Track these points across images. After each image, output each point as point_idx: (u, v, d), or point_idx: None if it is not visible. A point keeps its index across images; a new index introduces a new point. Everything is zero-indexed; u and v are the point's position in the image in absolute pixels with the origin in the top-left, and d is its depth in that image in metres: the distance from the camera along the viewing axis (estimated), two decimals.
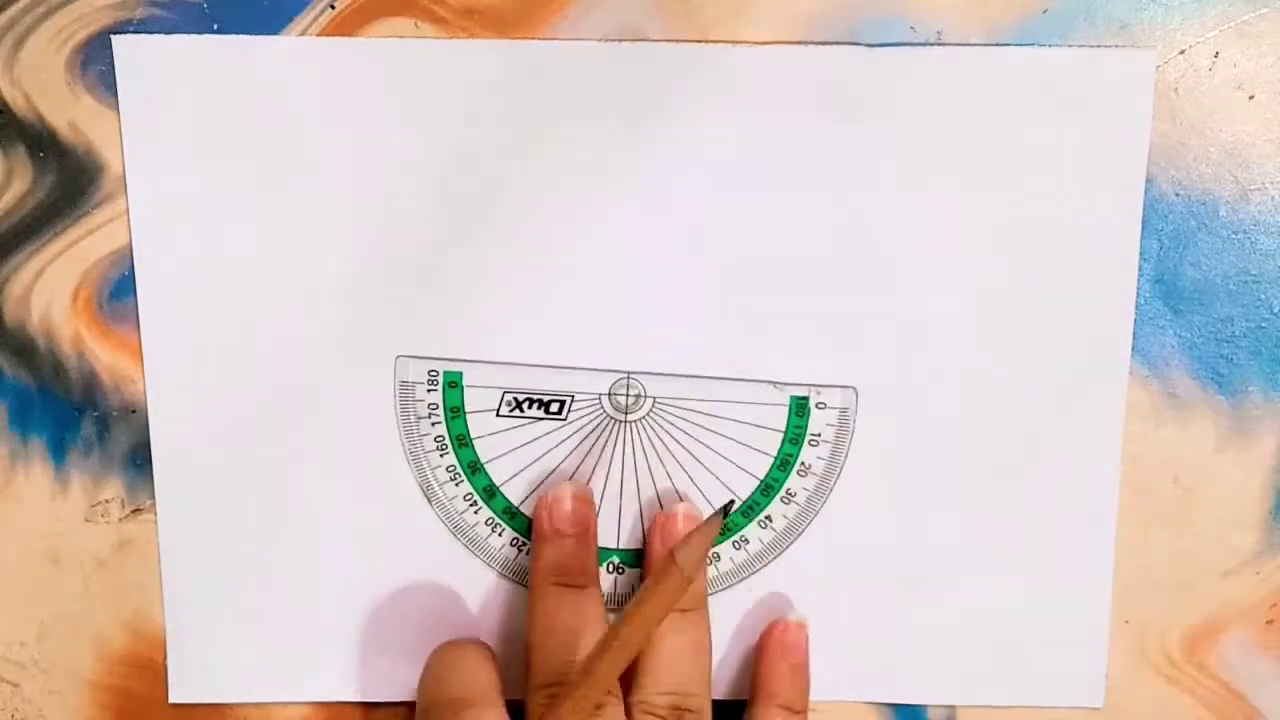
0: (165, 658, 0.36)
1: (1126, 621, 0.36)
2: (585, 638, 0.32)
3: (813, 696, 0.36)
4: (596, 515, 0.35)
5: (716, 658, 0.36)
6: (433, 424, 0.35)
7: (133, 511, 0.36)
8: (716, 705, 0.36)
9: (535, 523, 0.34)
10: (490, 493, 0.36)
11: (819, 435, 0.35)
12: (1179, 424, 0.35)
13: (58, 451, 0.35)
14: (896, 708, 0.36)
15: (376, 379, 0.35)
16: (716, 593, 0.36)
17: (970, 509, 0.36)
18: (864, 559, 0.36)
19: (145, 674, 0.36)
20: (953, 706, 0.36)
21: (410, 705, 0.36)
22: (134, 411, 0.35)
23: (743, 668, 0.36)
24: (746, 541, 0.36)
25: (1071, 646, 0.36)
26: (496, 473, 0.36)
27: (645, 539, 0.35)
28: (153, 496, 0.35)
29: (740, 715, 0.36)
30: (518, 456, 0.36)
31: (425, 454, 0.35)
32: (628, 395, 0.35)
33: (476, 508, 0.36)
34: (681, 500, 0.35)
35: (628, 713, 0.32)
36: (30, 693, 0.36)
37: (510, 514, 0.36)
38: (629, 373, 0.35)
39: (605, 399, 0.35)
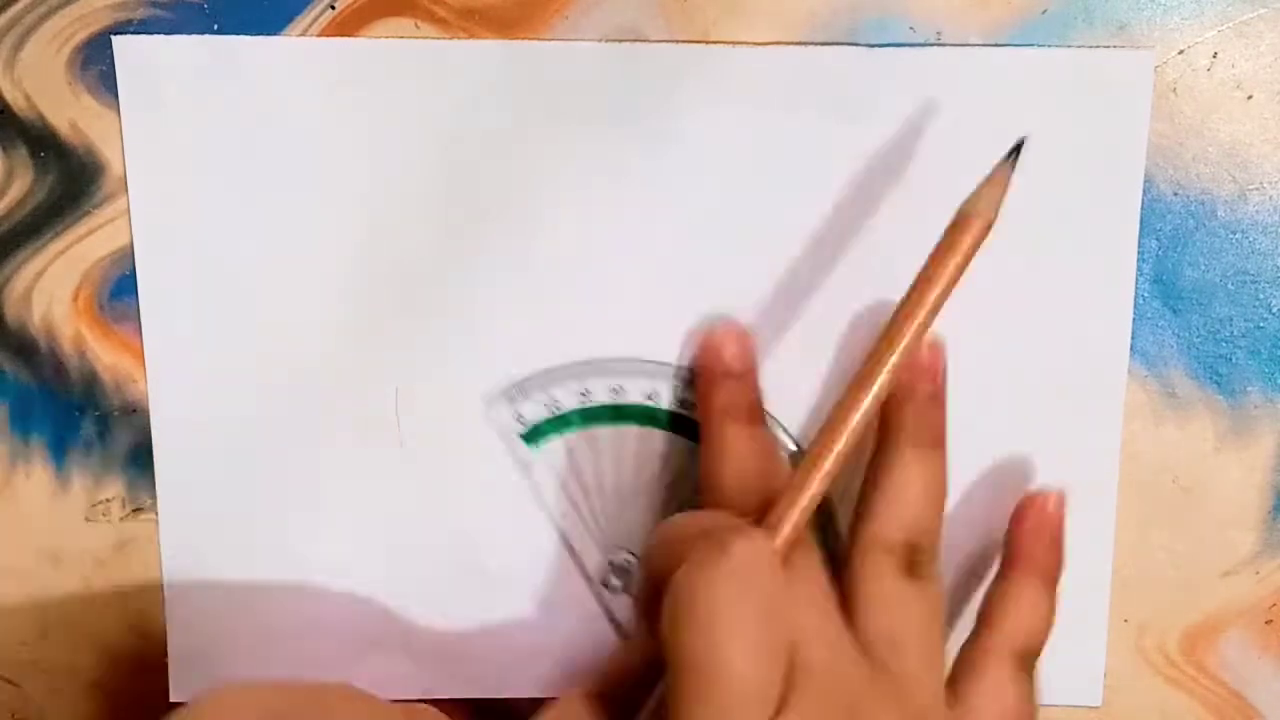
0: (166, 657, 0.36)
1: (1125, 621, 0.36)
2: (768, 472, 0.32)
3: None
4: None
5: None
6: None
7: (133, 511, 0.36)
8: None
9: (700, 365, 0.34)
10: None
11: None
12: (1178, 424, 0.35)
13: (58, 451, 0.35)
14: None
15: (380, 382, 0.35)
16: None
17: (970, 509, 0.36)
18: None
19: (146, 674, 0.36)
20: None
21: (410, 704, 0.36)
22: (135, 411, 0.35)
23: None
24: None
25: (1070, 645, 0.36)
26: None
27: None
28: (154, 496, 0.35)
29: None
30: None
31: None
32: None
33: None
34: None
35: (853, 547, 0.31)
36: (31, 692, 0.37)
37: None
38: None
39: None
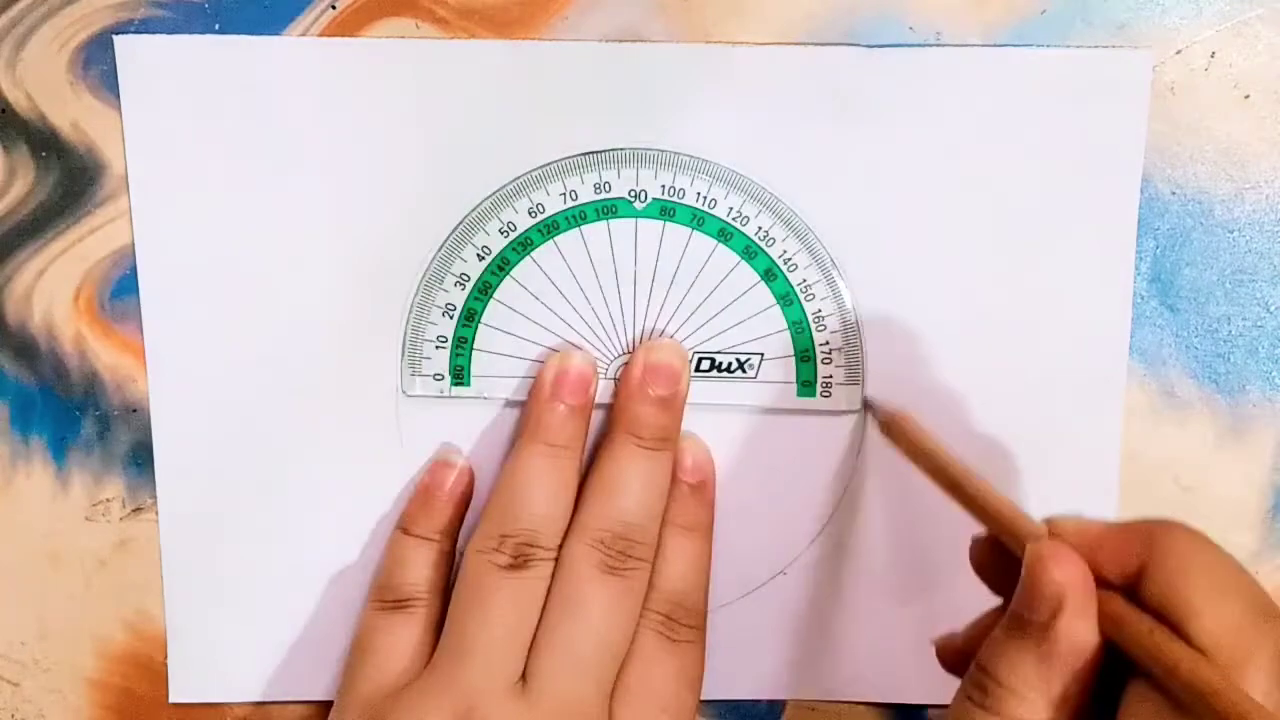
0: (166, 657, 0.36)
1: None
2: (554, 500, 0.33)
3: (813, 697, 0.36)
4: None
5: (730, 665, 0.36)
6: None
7: (133, 511, 0.36)
8: (729, 707, 0.36)
9: (536, 382, 0.34)
10: None
11: None
12: (1177, 423, 0.35)
13: (59, 451, 0.35)
14: (896, 708, 0.36)
15: (379, 381, 0.35)
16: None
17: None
18: (869, 561, 0.36)
19: (146, 674, 0.36)
20: None
21: None
22: (135, 411, 0.35)
23: (758, 674, 0.36)
24: None
25: None
26: None
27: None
28: (153, 496, 0.36)
29: (753, 717, 0.36)
30: None
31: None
32: None
33: None
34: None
35: (566, 541, 0.32)
36: (31, 692, 0.36)
37: None
38: None
39: None
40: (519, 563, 0.32)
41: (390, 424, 0.35)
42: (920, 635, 0.36)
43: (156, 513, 0.36)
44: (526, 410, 0.34)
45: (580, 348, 0.35)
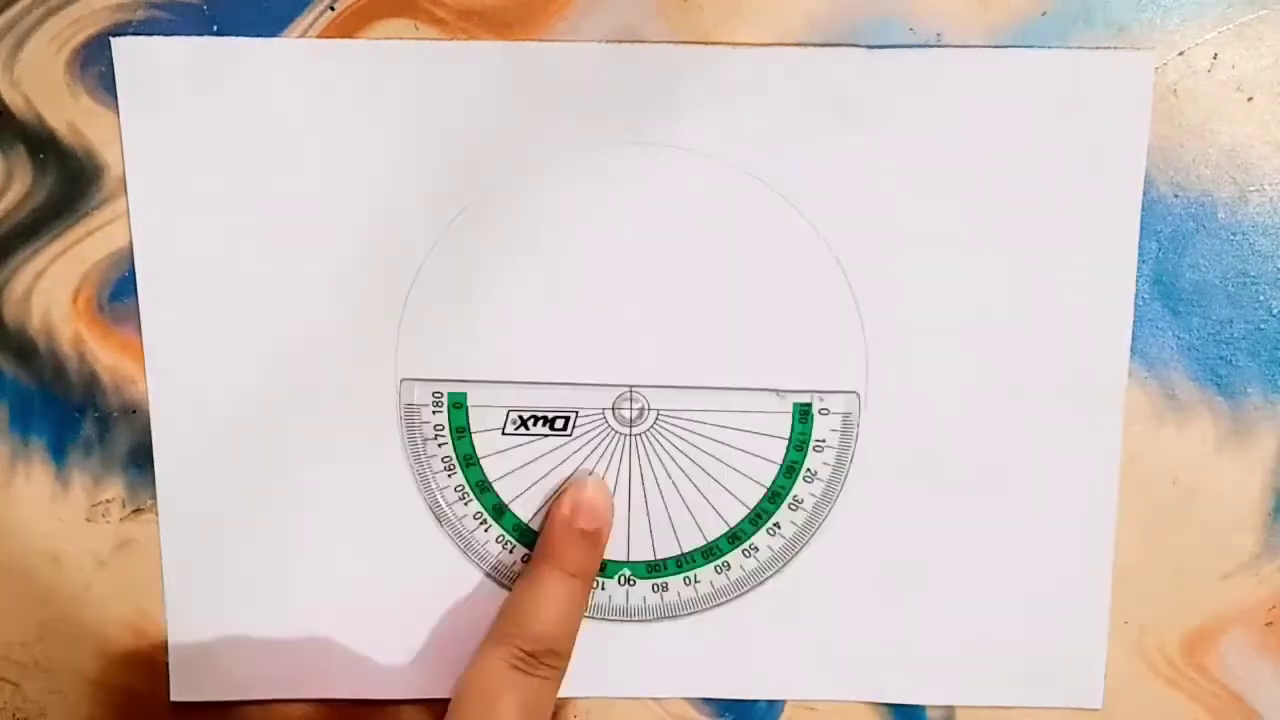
0: (166, 658, 0.36)
1: (1126, 623, 0.36)
2: (564, 621, 0.34)
3: (813, 696, 0.36)
4: (612, 515, 0.35)
5: (730, 665, 0.36)
6: (439, 445, 0.35)
7: (133, 512, 0.36)
8: (729, 707, 0.36)
9: (553, 509, 0.35)
10: (500, 511, 0.36)
11: (823, 441, 0.35)
12: (1178, 425, 0.35)
13: (58, 452, 0.35)
14: (896, 708, 0.37)
15: (378, 380, 0.35)
16: (728, 601, 0.36)
17: (971, 510, 0.36)
18: (868, 561, 0.36)
19: (146, 674, 0.36)
20: (952, 707, 0.36)
21: (410, 705, 0.36)
22: (134, 412, 0.35)
23: (758, 674, 0.36)
24: (756, 549, 0.36)
25: (1071, 647, 0.36)
26: (504, 490, 0.36)
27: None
28: (153, 497, 0.36)
29: (752, 716, 0.36)
30: (525, 474, 0.36)
31: (433, 475, 0.36)
32: (631, 409, 0.35)
33: (486, 526, 0.36)
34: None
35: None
36: (31, 693, 0.37)
37: (520, 530, 0.36)
38: (631, 386, 0.35)
39: (609, 413, 0.35)
40: (530, 667, 0.33)
41: (390, 422, 0.35)
42: (919, 635, 0.36)
43: (156, 513, 0.36)
44: (544, 534, 0.35)
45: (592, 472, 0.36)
